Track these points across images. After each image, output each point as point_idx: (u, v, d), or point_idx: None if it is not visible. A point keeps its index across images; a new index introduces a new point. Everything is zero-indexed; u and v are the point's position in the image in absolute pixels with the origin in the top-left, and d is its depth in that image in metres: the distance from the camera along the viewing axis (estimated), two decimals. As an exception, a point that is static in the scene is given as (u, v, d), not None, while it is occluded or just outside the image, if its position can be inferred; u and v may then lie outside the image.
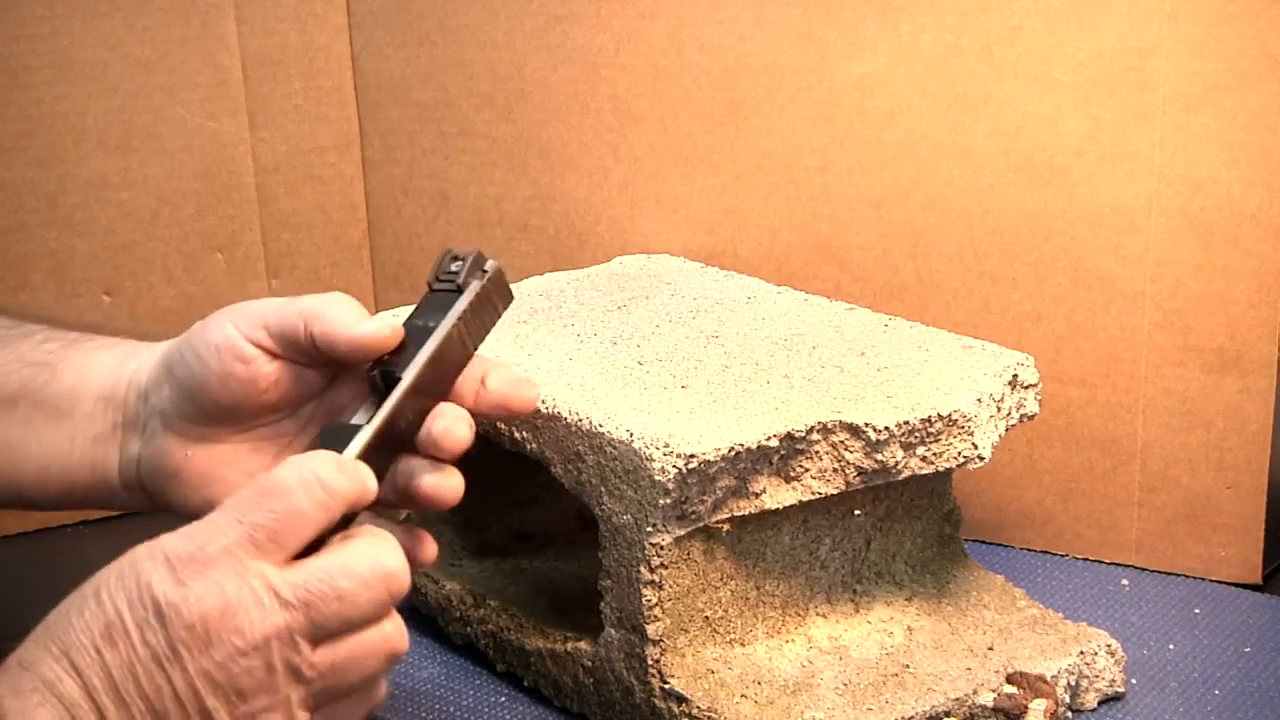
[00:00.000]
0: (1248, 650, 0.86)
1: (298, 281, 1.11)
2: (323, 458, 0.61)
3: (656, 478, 0.71)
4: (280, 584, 0.58)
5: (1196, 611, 0.91)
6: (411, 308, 0.70)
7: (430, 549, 0.69)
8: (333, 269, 1.12)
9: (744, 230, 1.00)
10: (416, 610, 0.91)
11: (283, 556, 0.59)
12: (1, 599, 0.96)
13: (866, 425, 0.75)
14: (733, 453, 0.72)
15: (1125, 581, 0.95)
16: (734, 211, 1.02)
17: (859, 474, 0.76)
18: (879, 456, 0.75)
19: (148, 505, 0.75)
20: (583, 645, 0.79)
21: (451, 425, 0.67)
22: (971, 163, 0.95)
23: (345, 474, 0.61)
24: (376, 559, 0.60)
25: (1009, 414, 0.81)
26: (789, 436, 0.74)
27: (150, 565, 0.58)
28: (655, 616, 0.74)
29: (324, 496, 0.59)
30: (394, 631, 0.61)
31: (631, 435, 0.73)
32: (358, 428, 0.64)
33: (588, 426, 0.75)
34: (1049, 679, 0.77)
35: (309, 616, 0.58)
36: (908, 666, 0.79)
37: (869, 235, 0.98)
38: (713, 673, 0.76)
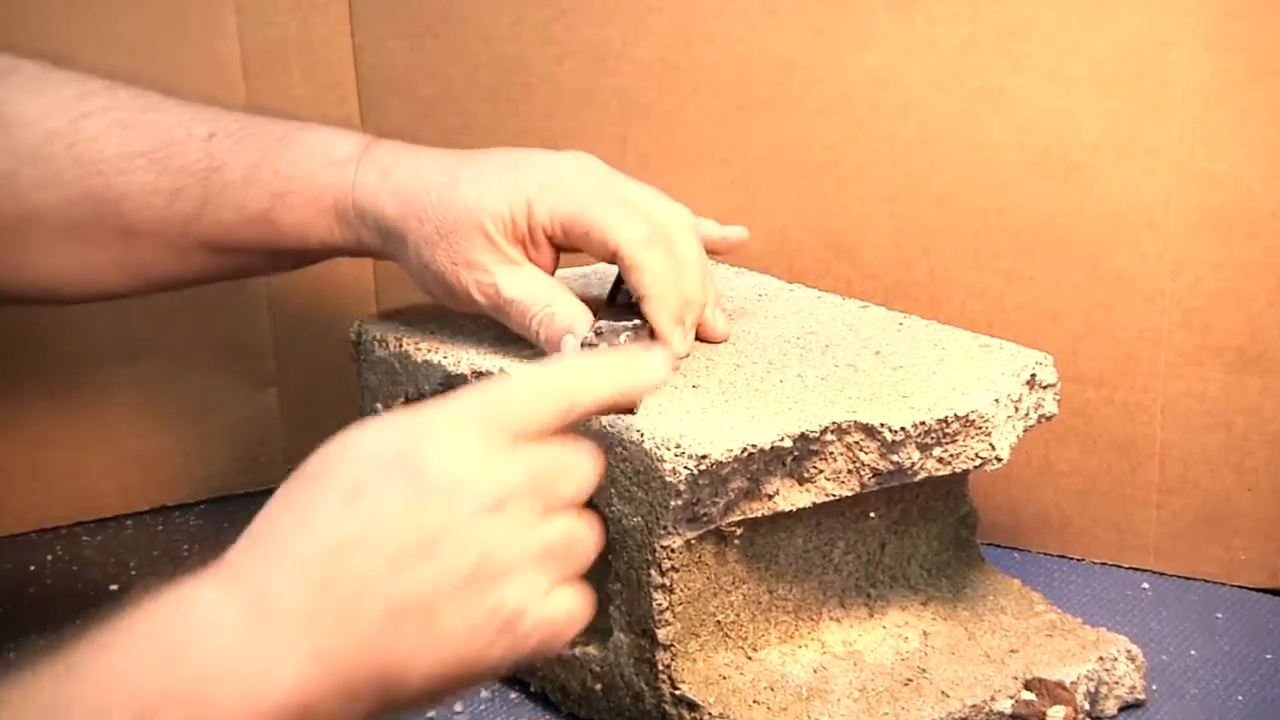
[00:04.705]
0: (1269, 657, 0.85)
1: (297, 278, 1.09)
2: None
3: (667, 479, 0.70)
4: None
5: (1218, 616, 0.90)
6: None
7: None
8: (333, 266, 1.11)
9: (754, 226, 0.98)
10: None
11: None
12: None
13: (882, 426, 0.74)
14: (745, 454, 0.71)
15: (1146, 585, 0.94)
16: (744, 207, 1.01)
17: (874, 475, 0.75)
18: (895, 458, 0.74)
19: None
20: (591, 650, 0.78)
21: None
22: (986, 158, 0.94)
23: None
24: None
25: (1027, 414, 0.79)
26: (803, 437, 0.73)
27: (375, 427, 0.56)
28: (666, 621, 0.73)
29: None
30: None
31: (642, 436, 0.72)
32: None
33: (597, 427, 0.74)
34: (1068, 685, 0.76)
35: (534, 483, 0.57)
36: (923, 672, 0.77)
37: (881, 232, 0.97)
38: (724, 678, 0.75)
